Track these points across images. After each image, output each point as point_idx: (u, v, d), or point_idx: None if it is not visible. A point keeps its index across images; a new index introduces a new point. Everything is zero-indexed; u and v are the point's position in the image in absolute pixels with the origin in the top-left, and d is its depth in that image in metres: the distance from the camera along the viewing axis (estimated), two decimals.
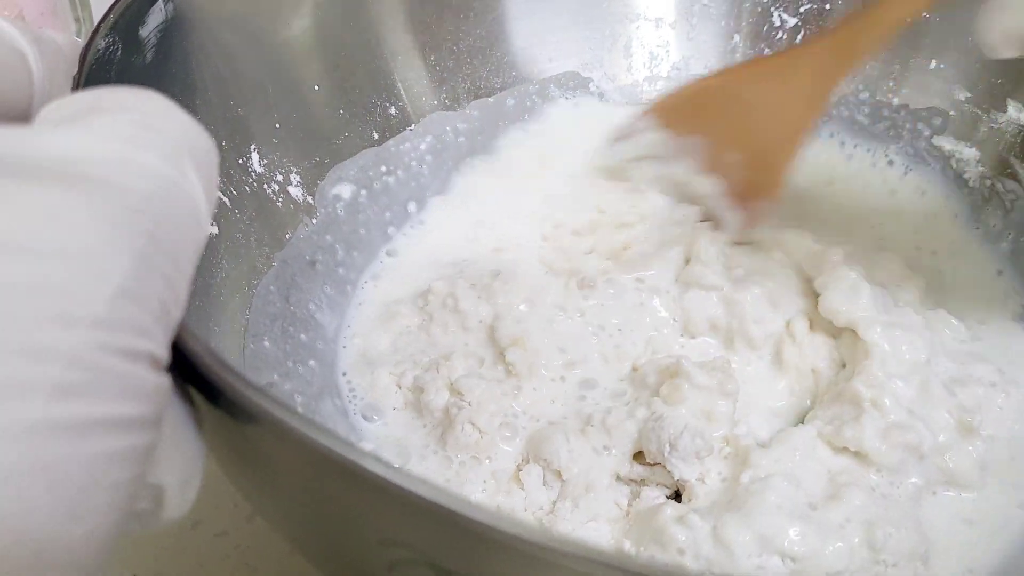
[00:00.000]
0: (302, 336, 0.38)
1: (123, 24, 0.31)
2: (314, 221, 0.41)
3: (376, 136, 0.45)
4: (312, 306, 0.40)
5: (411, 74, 0.46)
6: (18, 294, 0.16)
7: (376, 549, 0.19)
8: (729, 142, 0.43)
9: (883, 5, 0.38)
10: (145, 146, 0.19)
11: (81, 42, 0.29)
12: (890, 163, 0.48)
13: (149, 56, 0.33)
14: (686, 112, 0.44)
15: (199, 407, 0.21)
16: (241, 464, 0.22)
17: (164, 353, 0.19)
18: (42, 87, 0.25)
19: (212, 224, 0.34)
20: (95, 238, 0.17)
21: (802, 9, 0.49)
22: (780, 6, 0.49)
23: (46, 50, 0.26)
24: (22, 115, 0.25)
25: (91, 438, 0.16)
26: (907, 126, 0.47)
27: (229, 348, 0.33)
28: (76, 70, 0.28)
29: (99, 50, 0.29)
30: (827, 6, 0.49)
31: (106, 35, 0.29)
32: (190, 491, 0.21)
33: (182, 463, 0.21)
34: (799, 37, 0.49)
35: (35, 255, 0.16)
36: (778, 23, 0.50)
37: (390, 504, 0.17)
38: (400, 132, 0.46)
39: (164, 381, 0.18)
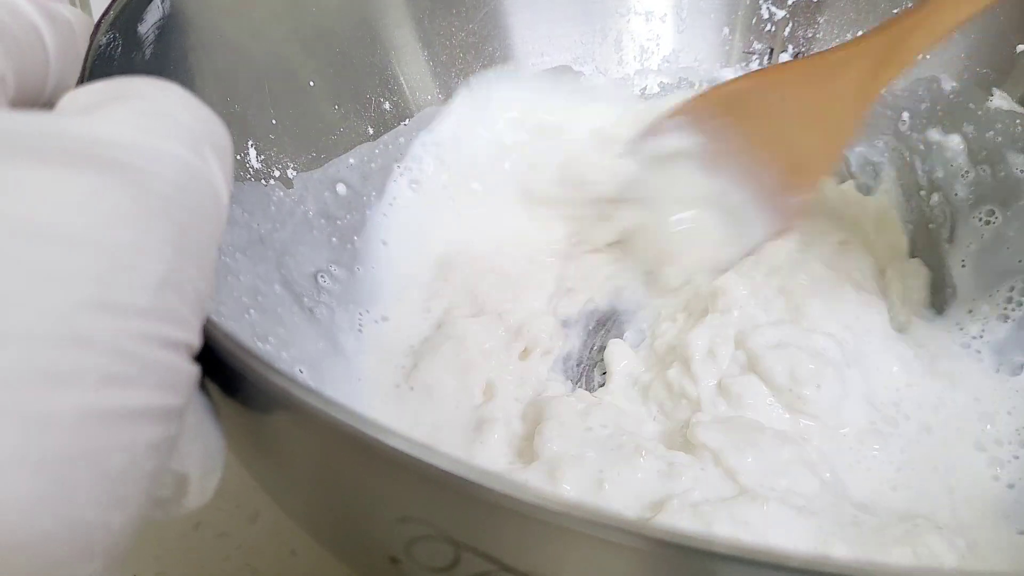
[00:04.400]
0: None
1: (123, 21, 0.31)
2: (310, 214, 0.42)
3: (371, 131, 0.45)
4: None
5: (405, 69, 0.46)
6: (64, 282, 0.16)
7: (394, 527, 0.19)
8: (764, 145, 0.40)
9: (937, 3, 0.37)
10: (169, 134, 0.19)
11: (92, 20, 0.29)
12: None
13: (148, 52, 0.33)
14: (717, 114, 0.42)
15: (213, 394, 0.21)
16: (254, 447, 0.23)
17: (199, 342, 0.19)
18: (57, 65, 0.26)
19: None
20: (135, 227, 0.17)
21: (790, 2, 0.50)
22: None
23: (60, 28, 0.26)
24: (38, 92, 0.25)
25: (133, 427, 0.17)
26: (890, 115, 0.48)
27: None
28: (86, 49, 0.28)
29: (100, 46, 0.29)
30: None
31: (107, 31, 0.30)
32: (211, 480, 0.22)
33: (204, 452, 0.21)
34: (787, 29, 0.50)
35: (78, 243, 0.16)
36: (767, 15, 0.50)
37: (409, 479, 0.17)
38: (395, 127, 0.46)
39: (195, 370, 0.19)
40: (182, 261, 0.18)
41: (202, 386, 0.21)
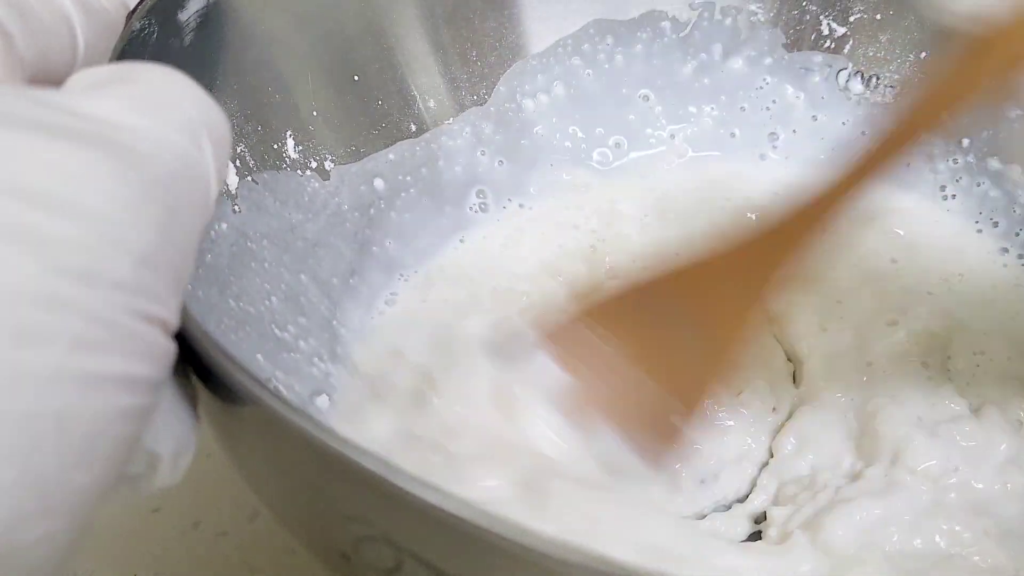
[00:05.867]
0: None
1: (161, 7, 0.32)
2: (344, 207, 0.42)
3: (414, 128, 0.45)
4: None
5: (452, 69, 0.46)
6: (45, 246, 0.16)
7: (342, 524, 0.19)
8: (637, 370, 0.35)
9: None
10: (168, 120, 0.20)
11: (130, 4, 0.30)
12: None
13: (188, 39, 0.34)
14: (581, 334, 0.36)
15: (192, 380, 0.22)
16: (224, 432, 0.23)
17: (175, 321, 0.19)
18: (86, 53, 0.26)
19: (236, 207, 0.35)
20: (122, 204, 0.18)
21: (852, 19, 0.48)
22: (829, 15, 0.49)
23: (93, 19, 0.27)
24: (63, 78, 0.26)
25: (103, 392, 0.17)
26: None
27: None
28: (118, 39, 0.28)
29: (134, 32, 0.30)
30: (877, 16, 0.48)
31: (142, 18, 0.30)
32: (182, 462, 0.22)
33: (176, 434, 0.22)
34: (848, 47, 0.49)
35: (64, 211, 0.17)
36: (827, 32, 0.49)
37: (349, 480, 0.17)
38: (438, 126, 0.46)
39: (171, 346, 0.20)
40: (165, 244, 0.19)
41: (177, 370, 0.21)
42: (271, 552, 0.38)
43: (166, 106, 0.20)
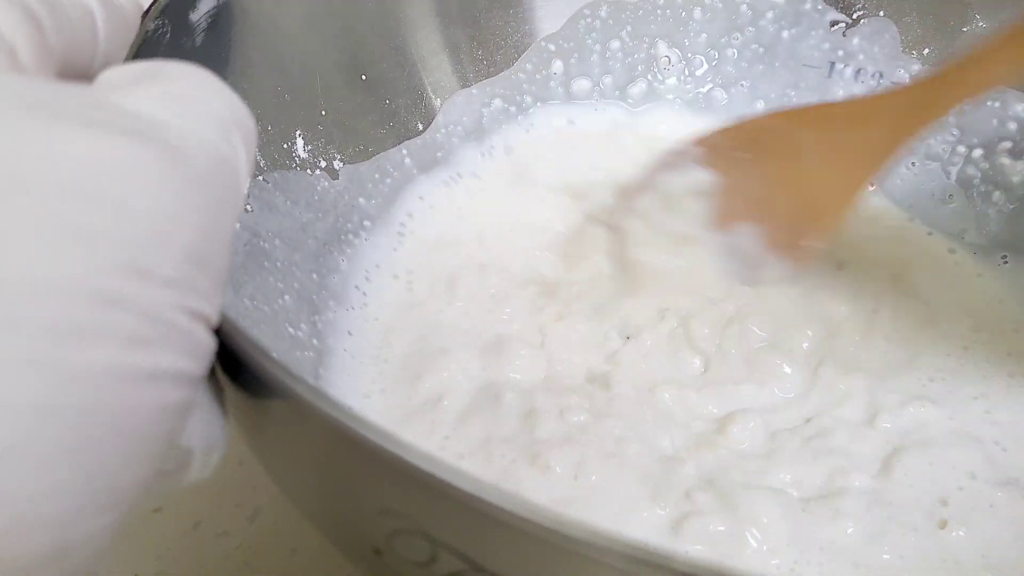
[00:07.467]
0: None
1: (173, 7, 0.32)
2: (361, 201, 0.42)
3: (421, 127, 0.45)
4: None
5: (460, 68, 0.47)
6: (100, 243, 0.16)
7: (376, 519, 0.19)
8: (780, 186, 0.40)
9: (975, 63, 0.35)
10: (202, 119, 0.20)
11: (144, 4, 0.30)
12: None
13: (199, 40, 0.34)
14: (736, 149, 0.41)
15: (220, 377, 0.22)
16: (254, 428, 0.23)
17: (216, 317, 0.20)
18: (105, 49, 0.26)
19: (248, 206, 0.35)
20: (169, 201, 0.18)
21: (856, 15, 0.49)
22: None
23: (112, 14, 0.27)
24: (84, 73, 0.26)
25: (153, 388, 0.17)
26: None
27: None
28: (134, 36, 0.29)
29: (148, 32, 0.30)
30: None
31: (156, 17, 0.30)
32: (213, 458, 0.22)
33: (208, 430, 0.22)
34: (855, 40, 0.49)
35: (116, 208, 0.17)
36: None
37: (385, 472, 0.17)
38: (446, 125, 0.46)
39: (213, 342, 0.20)
40: (208, 240, 0.19)
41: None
42: (272, 552, 0.38)
43: (199, 103, 0.20)
